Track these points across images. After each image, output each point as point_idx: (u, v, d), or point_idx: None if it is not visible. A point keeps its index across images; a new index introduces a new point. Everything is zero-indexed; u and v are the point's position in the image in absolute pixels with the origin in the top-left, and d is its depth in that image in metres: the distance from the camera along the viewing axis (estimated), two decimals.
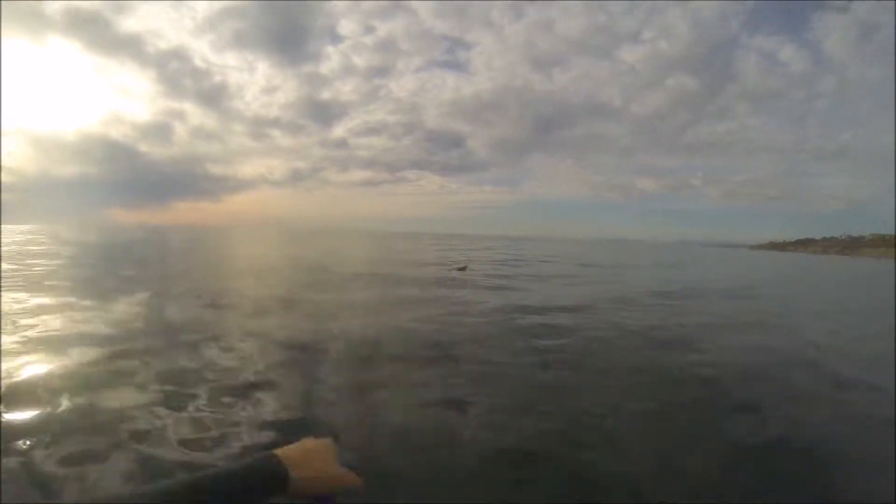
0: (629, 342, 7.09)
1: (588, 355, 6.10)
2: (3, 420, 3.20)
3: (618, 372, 5.39)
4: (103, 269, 15.95)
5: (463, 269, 19.65)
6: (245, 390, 4.18)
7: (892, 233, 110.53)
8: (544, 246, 59.71)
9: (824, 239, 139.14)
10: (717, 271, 29.40)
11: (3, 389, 3.88)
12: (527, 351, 6.15)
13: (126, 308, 8.12)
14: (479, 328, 7.57)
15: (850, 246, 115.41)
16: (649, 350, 6.64)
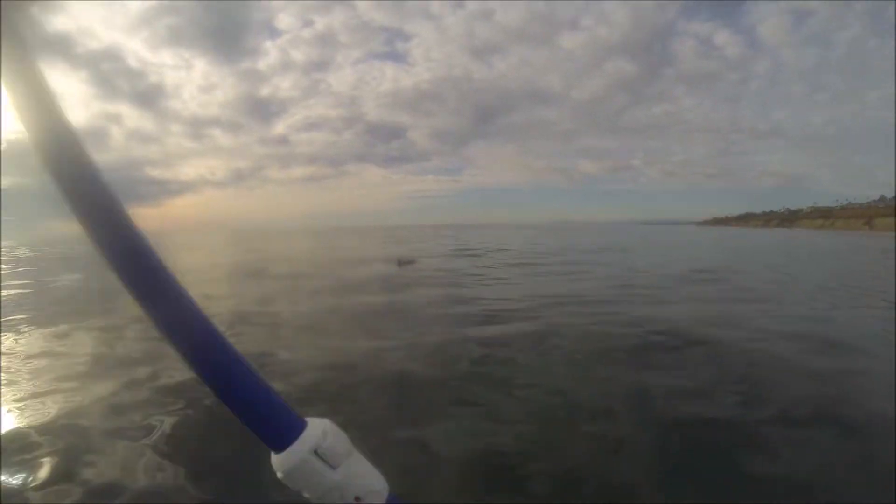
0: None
1: None
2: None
3: None
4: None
5: (410, 262, 16.90)
6: None
7: (828, 205, 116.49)
8: (493, 234, 57.16)
9: (764, 213, 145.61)
10: (678, 254, 26.77)
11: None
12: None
13: None
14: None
15: (789, 219, 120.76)
16: None
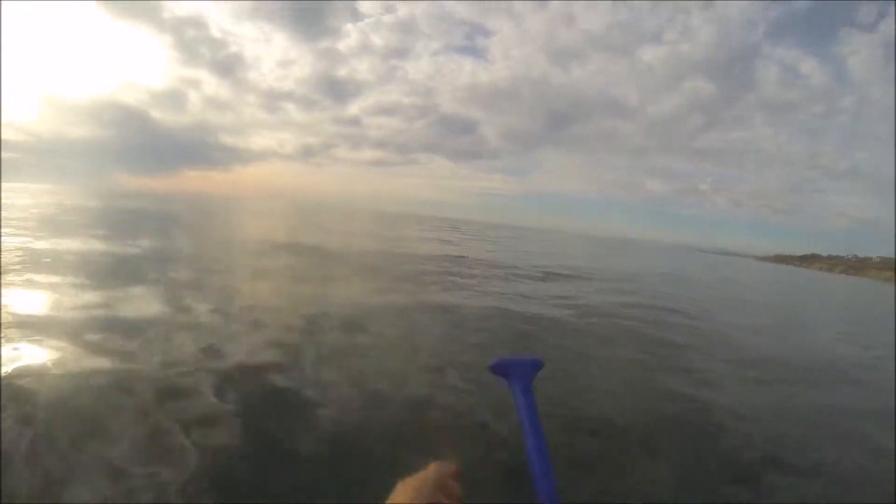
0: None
1: None
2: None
3: None
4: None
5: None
6: None
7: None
8: (558, 242, 57.96)
9: (830, 257, 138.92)
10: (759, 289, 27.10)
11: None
12: None
13: None
14: None
15: (856, 266, 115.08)
16: None
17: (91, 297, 6.28)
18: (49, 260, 8.75)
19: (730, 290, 22.30)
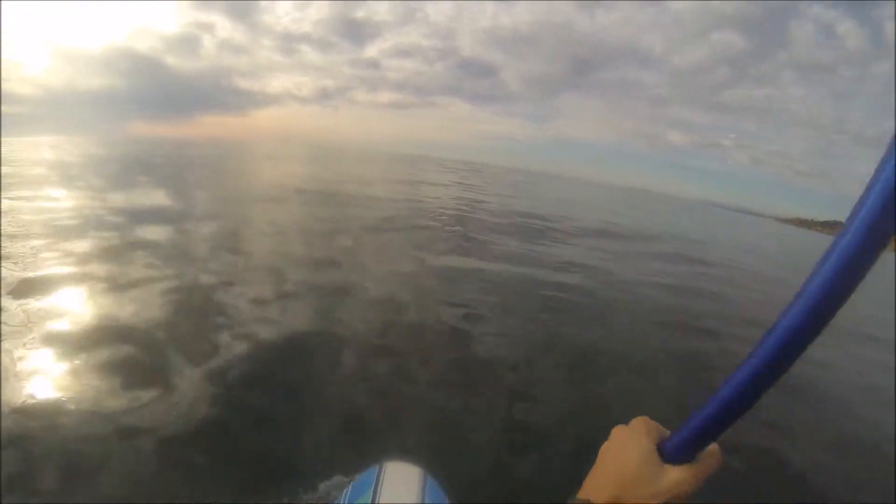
0: None
1: None
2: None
3: None
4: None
5: None
6: None
7: None
8: (578, 190, 55.01)
9: None
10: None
11: None
12: None
13: None
14: None
15: None
16: None
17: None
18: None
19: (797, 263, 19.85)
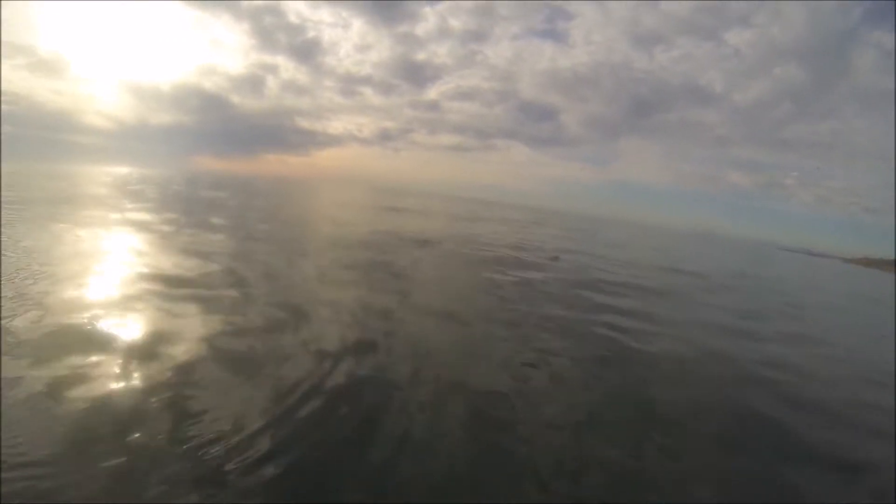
0: None
1: None
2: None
3: None
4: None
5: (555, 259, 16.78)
6: None
7: None
8: (648, 236, 54.99)
9: None
10: None
11: None
12: None
13: None
14: None
15: None
16: None
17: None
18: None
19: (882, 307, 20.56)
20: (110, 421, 3.51)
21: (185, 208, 19.49)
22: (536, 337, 7.02)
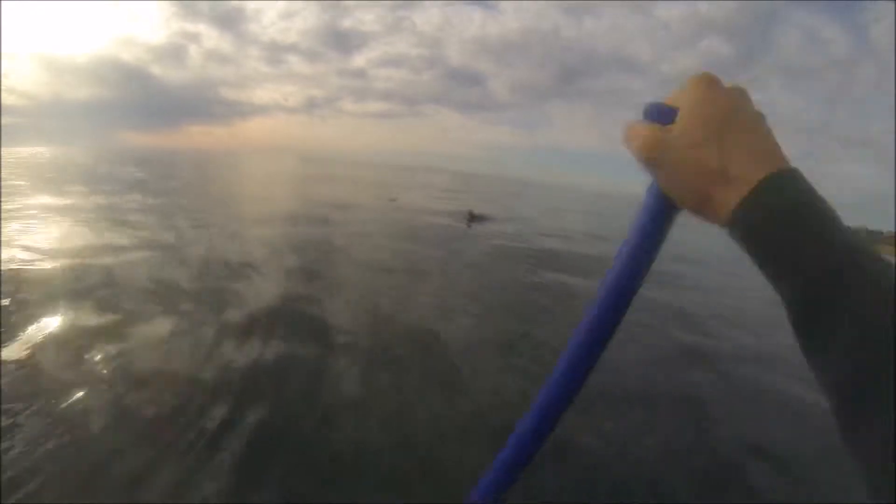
0: None
1: None
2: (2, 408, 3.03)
3: None
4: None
5: (474, 218, 15.47)
6: None
7: None
8: (581, 201, 55.52)
9: None
10: None
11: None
12: None
13: None
14: None
15: (867, 240, 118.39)
16: None
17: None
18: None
19: None
20: None
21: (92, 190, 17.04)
22: None
